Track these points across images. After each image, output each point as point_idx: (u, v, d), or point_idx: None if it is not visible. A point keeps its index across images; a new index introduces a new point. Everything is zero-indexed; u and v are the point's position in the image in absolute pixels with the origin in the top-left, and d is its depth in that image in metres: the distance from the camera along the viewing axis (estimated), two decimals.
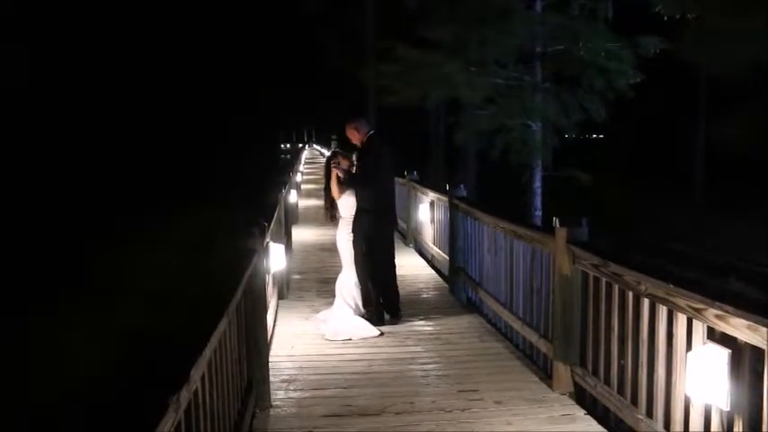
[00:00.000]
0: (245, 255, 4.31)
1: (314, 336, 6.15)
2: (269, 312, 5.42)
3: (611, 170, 26.72)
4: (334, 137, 44.04)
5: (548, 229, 4.83)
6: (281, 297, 7.51)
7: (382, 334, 6.13)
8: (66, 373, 7.52)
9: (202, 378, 2.72)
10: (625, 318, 3.82)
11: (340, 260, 6.45)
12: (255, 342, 4.39)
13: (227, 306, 3.38)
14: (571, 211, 5.17)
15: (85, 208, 21.79)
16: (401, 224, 11.48)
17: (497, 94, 11.65)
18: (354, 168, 6.29)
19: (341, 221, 6.36)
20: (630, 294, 3.74)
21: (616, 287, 3.92)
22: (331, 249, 10.42)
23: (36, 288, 11.56)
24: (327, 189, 6.40)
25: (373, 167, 6.15)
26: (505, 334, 6.10)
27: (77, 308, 10.10)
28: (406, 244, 10.91)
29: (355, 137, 6.28)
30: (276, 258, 5.82)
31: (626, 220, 18.41)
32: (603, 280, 4.07)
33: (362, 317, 6.27)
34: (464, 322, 6.53)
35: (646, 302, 3.57)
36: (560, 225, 4.54)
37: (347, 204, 6.31)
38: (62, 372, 7.58)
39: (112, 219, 20.05)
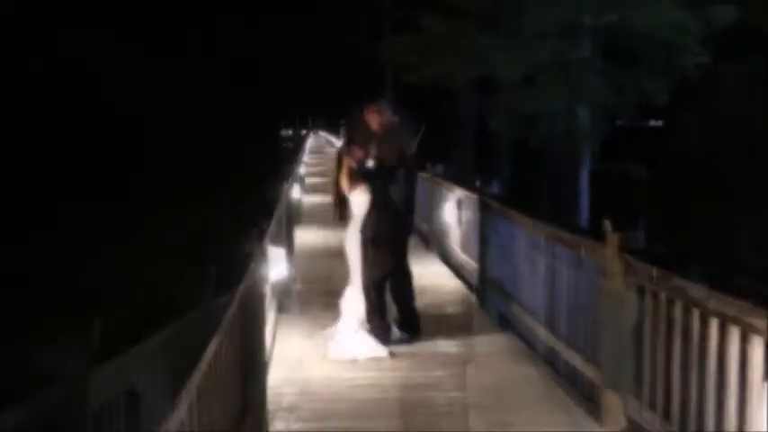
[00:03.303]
0: (240, 262, 4.34)
1: (319, 356, 6.16)
2: (267, 328, 5.44)
3: (672, 164, 26.52)
4: (344, 122, 44.10)
5: (596, 233, 4.82)
6: (281, 310, 7.53)
7: (393, 354, 6.12)
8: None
9: (190, 407, 2.74)
10: (689, 340, 3.80)
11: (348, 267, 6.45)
12: (251, 363, 4.41)
13: (219, 324, 3.39)
14: (624, 211, 5.15)
15: (61, 201, 21.93)
16: (423, 226, 11.52)
17: (539, 72, 11.55)
18: (372, 159, 6.22)
19: (351, 222, 6.34)
20: (696, 312, 3.72)
21: (678, 304, 3.90)
22: (340, 255, 10.40)
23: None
24: (338, 184, 6.36)
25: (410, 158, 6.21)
26: (545, 357, 6.08)
27: (61, 319, 10.17)
28: (428, 249, 10.91)
29: (376, 122, 6.23)
30: (276, 265, 5.83)
31: (690, 223, 18.29)
32: (663, 295, 4.05)
33: (369, 333, 6.27)
34: (495, 342, 6.53)
35: (714, 323, 3.55)
36: (612, 229, 4.53)
37: (360, 201, 6.26)
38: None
39: (89, 216, 20.20)
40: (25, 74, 28.63)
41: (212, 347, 3.20)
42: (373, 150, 6.19)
